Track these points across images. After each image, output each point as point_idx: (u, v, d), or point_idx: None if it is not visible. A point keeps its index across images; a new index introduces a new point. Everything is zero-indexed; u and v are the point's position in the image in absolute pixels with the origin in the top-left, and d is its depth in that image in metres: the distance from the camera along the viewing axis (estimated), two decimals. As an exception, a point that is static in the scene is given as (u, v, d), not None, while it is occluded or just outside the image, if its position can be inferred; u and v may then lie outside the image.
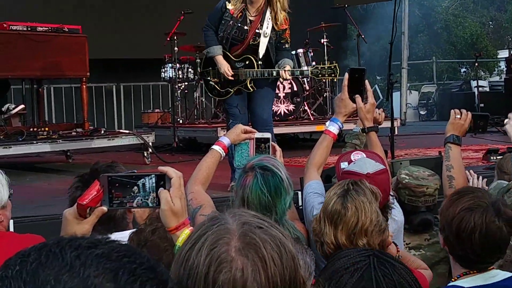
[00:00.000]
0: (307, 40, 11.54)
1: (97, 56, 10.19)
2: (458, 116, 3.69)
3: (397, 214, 3.36)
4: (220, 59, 6.27)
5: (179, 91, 11.25)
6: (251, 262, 1.31)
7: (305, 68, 6.55)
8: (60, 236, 0.92)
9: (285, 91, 10.66)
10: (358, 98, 3.60)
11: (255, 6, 6.10)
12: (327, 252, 2.65)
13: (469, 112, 3.72)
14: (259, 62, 6.23)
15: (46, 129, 8.61)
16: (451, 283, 2.70)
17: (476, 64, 14.99)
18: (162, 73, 11.23)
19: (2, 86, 8.78)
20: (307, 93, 11.07)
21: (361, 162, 3.12)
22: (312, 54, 11.10)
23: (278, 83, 10.66)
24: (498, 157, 7.26)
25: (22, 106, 9.04)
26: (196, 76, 11.31)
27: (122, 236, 2.92)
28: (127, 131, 9.77)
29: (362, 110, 3.62)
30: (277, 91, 10.62)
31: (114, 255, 0.85)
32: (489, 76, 25.64)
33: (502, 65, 24.23)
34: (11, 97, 10.15)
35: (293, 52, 11.09)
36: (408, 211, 3.74)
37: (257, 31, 6.13)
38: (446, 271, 3.73)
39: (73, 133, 9.00)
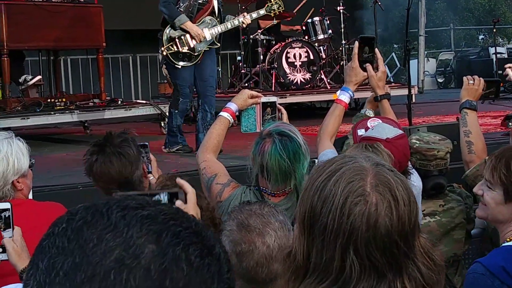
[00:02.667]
0: (323, 8, 11.46)
1: (114, 27, 10.19)
2: (472, 82, 3.69)
3: (415, 180, 3.34)
4: (190, 24, 7.01)
5: (195, 61, 11.23)
6: (385, 199, 1.39)
7: (261, 12, 7.19)
8: (110, 197, 0.93)
9: (301, 60, 10.61)
10: (369, 66, 3.58)
11: None
12: None
13: (481, 78, 3.72)
14: (217, 20, 7.17)
15: (64, 100, 8.65)
16: (506, 243, 2.62)
17: (494, 30, 14.83)
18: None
19: (18, 57, 8.80)
20: (324, 61, 11.02)
21: (380, 128, 3.08)
22: (328, 22, 11.03)
23: (295, 51, 10.63)
24: (516, 124, 7.22)
25: (39, 77, 9.07)
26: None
27: None
28: (144, 101, 9.80)
29: (373, 78, 3.60)
30: (293, 59, 10.59)
31: (160, 217, 0.85)
32: (507, 43, 25.37)
33: (521, 31, 23.96)
34: (28, 69, 10.18)
35: (309, 20, 11.03)
36: (420, 176, 3.74)
37: None
38: (463, 237, 3.73)
39: (90, 103, 9.03)
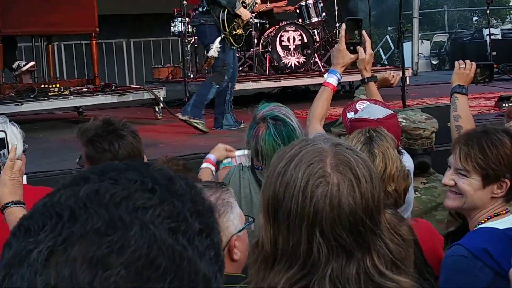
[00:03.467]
0: (316, -9, 11.42)
1: (107, 12, 10.15)
2: (463, 66, 3.69)
3: (406, 159, 3.36)
4: (244, 10, 7.74)
5: (189, 46, 11.20)
6: (346, 178, 1.40)
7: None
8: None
9: (295, 43, 10.60)
10: (360, 49, 3.59)
11: None
12: None
13: (473, 62, 3.72)
14: None
15: (57, 85, 8.63)
16: (482, 225, 2.62)
17: (488, 11, 14.80)
18: (172, 27, 11.15)
19: (11, 43, 8.77)
20: (318, 44, 11.00)
21: (369, 109, 3.11)
22: (322, 5, 11.01)
23: (289, 35, 10.61)
24: (510, 104, 7.24)
25: (32, 63, 9.03)
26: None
27: None
28: (138, 86, 9.79)
29: (363, 61, 3.61)
30: (287, 43, 10.57)
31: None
32: (501, 24, 25.36)
33: (515, 12, 23.94)
34: (21, 54, 10.15)
35: (303, 3, 11.00)
36: (419, 155, 3.78)
37: None
38: (445, 218, 3.73)
39: (84, 89, 9.01)
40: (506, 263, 2.45)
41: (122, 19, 13.66)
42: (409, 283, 1.42)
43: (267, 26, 10.95)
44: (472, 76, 3.68)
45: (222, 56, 7.61)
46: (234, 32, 7.61)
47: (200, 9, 7.73)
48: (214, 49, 7.49)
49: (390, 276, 1.39)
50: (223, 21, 7.51)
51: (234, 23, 7.63)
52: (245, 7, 7.82)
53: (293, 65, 10.63)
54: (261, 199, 1.48)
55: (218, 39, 7.51)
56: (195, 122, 7.53)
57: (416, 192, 3.66)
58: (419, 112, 4.04)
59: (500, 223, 2.58)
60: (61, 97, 8.38)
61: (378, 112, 3.09)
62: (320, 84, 10.45)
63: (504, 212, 2.62)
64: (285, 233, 1.40)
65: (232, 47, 7.72)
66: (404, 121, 3.80)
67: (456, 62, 3.74)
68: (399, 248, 1.43)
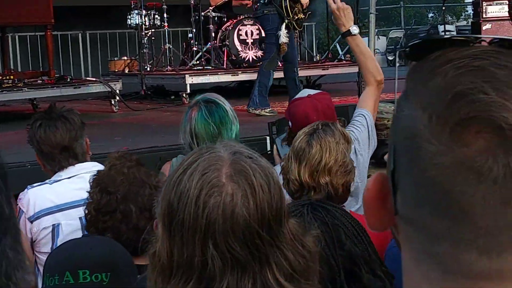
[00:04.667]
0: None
1: (63, 3, 10.02)
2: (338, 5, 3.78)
3: (356, 131, 3.54)
4: None
5: (145, 38, 11.12)
6: (241, 188, 1.35)
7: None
8: None
9: (253, 37, 10.60)
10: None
11: None
12: (292, 189, 2.70)
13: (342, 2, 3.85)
14: None
15: (11, 77, 8.50)
16: None
17: (444, 8, 15.01)
18: (128, 20, 11.07)
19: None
20: (275, 39, 11.01)
21: (303, 92, 3.48)
22: None
23: (247, 29, 10.62)
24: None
25: (-15, 54, 8.89)
26: (162, 23, 11.16)
27: (83, 167, 3.12)
28: (93, 79, 9.69)
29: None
30: (244, 37, 10.57)
31: None
32: (456, 21, 25.71)
33: (469, 9, 24.30)
34: (-26, 46, 9.96)
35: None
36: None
37: None
38: None
39: (38, 81, 8.88)
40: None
41: (78, 10, 13.50)
42: None
43: (225, 19, 10.93)
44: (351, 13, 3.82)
45: (276, 42, 8.11)
46: (296, 17, 8.06)
47: (262, 1, 8.20)
48: (283, 36, 8.01)
49: None
50: (286, 7, 7.97)
51: (296, 8, 8.07)
52: None
53: (250, 59, 10.63)
54: (158, 207, 1.42)
55: (284, 25, 8.02)
56: (266, 112, 8.03)
57: None
58: (388, 104, 4.12)
59: None
60: (15, 89, 8.25)
61: (310, 92, 3.56)
62: (278, 78, 10.49)
63: None
64: (180, 244, 1.34)
65: (295, 31, 8.31)
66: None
67: (332, 5, 3.82)
68: (301, 259, 1.38)
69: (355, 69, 9.29)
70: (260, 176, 1.37)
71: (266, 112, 8.06)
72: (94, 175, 2.58)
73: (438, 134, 0.66)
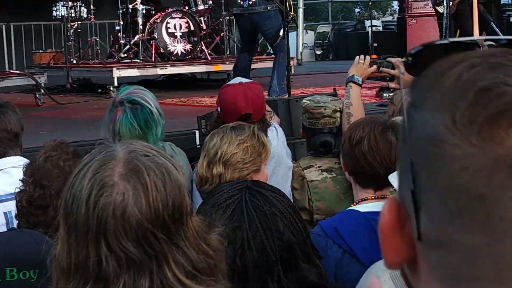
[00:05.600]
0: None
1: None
2: (362, 61, 3.83)
3: (273, 136, 3.59)
4: None
5: (72, 31, 10.92)
6: (132, 187, 1.33)
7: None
8: None
9: (181, 31, 10.53)
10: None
11: None
12: (196, 181, 2.80)
13: (367, 56, 3.87)
14: None
15: None
16: (349, 208, 2.81)
17: (370, 3, 15.22)
18: (54, 11, 10.85)
19: None
20: (204, 32, 10.97)
21: (235, 79, 3.59)
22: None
23: (175, 22, 10.55)
24: (390, 94, 7.47)
25: None
26: (89, 15, 10.98)
27: (8, 161, 3.04)
28: (18, 72, 9.46)
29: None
30: (173, 30, 10.49)
31: None
32: (382, 16, 26.14)
33: (395, 5, 24.75)
34: None
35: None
36: (309, 135, 3.85)
37: None
38: None
39: (-40, 74, 8.63)
40: (354, 242, 2.60)
41: (2, 1, 13.16)
42: None
43: (153, 12, 10.82)
44: (369, 72, 3.84)
45: (283, 35, 8.35)
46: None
47: None
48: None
49: (192, 286, 1.34)
50: (289, 4, 8.21)
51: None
52: None
53: (179, 53, 10.55)
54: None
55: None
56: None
57: (332, 172, 3.76)
58: (326, 95, 4.17)
59: (363, 207, 2.74)
60: None
61: (242, 79, 3.67)
62: (207, 72, 10.51)
63: (372, 197, 2.77)
64: (75, 245, 1.34)
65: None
66: (308, 101, 3.90)
67: (356, 57, 3.90)
68: (205, 257, 1.37)
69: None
70: (155, 174, 1.35)
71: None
72: (28, 163, 2.51)
73: (465, 135, 0.59)
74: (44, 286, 1.61)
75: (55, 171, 2.39)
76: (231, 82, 3.73)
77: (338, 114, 3.87)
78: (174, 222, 1.35)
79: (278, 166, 3.60)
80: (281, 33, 8.32)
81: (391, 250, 0.67)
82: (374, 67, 3.84)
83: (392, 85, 3.74)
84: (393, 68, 3.79)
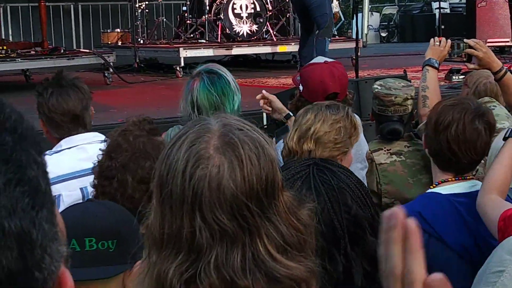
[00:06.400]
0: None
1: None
2: (437, 43, 3.75)
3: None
4: None
5: (139, 11, 11.03)
6: (227, 160, 1.33)
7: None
8: None
9: (247, 11, 10.53)
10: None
11: None
12: (283, 154, 2.77)
13: (448, 40, 3.77)
14: None
15: (4, 47, 8.42)
16: (429, 190, 2.77)
17: (438, -15, 14.93)
18: (122, -9, 10.98)
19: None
20: (270, 13, 10.95)
21: (318, 59, 3.56)
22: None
23: (242, 2, 10.55)
24: (460, 77, 7.33)
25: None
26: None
27: (84, 137, 3.10)
28: (87, 50, 9.62)
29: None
30: (239, 10, 10.51)
31: None
32: (449, -2, 25.65)
33: (463, -13, 24.20)
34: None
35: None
36: (378, 121, 3.81)
37: None
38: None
39: (32, 52, 8.81)
40: (440, 225, 2.56)
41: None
42: (301, 270, 1.35)
43: (220, -7, 10.85)
44: (445, 54, 3.74)
45: (329, 12, 8.40)
46: None
47: None
48: (335, 4, 8.46)
49: (283, 261, 1.34)
50: None
51: None
52: None
53: (245, 34, 10.56)
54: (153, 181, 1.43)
55: None
56: None
57: (401, 156, 3.73)
58: (399, 80, 4.09)
59: (445, 189, 2.70)
60: (8, 59, 8.17)
61: (326, 59, 3.72)
62: (272, 53, 10.55)
63: (453, 179, 2.72)
64: (169, 216, 1.35)
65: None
66: (379, 87, 3.85)
67: (431, 39, 3.81)
68: (296, 232, 1.37)
69: (350, 45, 9.27)
70: (249, 148, 1.35)
71: None
72: (107, 137, 2.56)
73: None
74: (134, 255, 1.64)
75: (125, 145, 2.42)
76: (315, 61, 3.71)
77: (409, 102, 3.81)
78: (267, 196, 1.35)
79: (356, 155, 3.55)
80: (325, 8, 8.28)
81: None
82: (449, 45, 3.73)
83: (471, 66, 3.62)
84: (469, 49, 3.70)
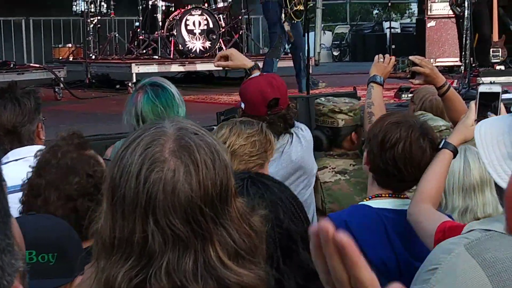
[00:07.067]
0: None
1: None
2: (382, 60, 3.77)
3: (303, 131, 3.56)
4: None
5: (91, 26, 10.96)
6: (183, 164, 1.32)
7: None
8: None
9: (200, 28, 10.54)
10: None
11: None
12: None
13: (392, 56, 3.80)
14: None
15: (-48, 61, 8.29)
16: (360, 203, 2.79)
17: (389, 4, 15.18)
18: (74, 6, 10.90)
19: None
20: (223, 30, 10.98)
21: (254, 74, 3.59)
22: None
23: (194, 19, 10.55)
24: (409, 95, 7.44)
25: None
26: (109, 10, 11.01)
27: (31, 150, 2.96)
28: (37, 65, 9.52)
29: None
30: (192, 27, 10.51)
31: None
32: (400, 18, 26.03)
33: (413, 7, 24.62)
34: None
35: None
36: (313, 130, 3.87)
37: None
38: None
39: (-20, 66, 8.69)
40: (363, 237, 2.59)
41: (22, -4, 13.23)
42: (251, 277, 1.36)
43: (173, 9, 10.85)
44: (389, 70, 3.76)
45: (279, 31, 8.49)
46: (295, 8, 8.29)
47: None
48: (286, 24, 8.44)
49: (234, 268, 1.34)
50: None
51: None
52: None
53: (198, 50, 10.57)
54: (104, 184, 1.41)
55: (282, 15, 8.39)
56: None
57: (346, 175, 3.75)
58: (346, 98, 4.13)
59: (376, 203, 2.73)
60: (-44, 73, 8.04)
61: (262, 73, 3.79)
62: (224, 70, 10.55)
63: (386, 195, 2.75)
64: (121, 220, 1.33)
65: (293, 21, 8.34)
66: (321, 100, 3.91)
67: (376, 56, 3.82)
68: (248, 239, 1.37)
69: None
70: (205, 152, 1.35)
71: None
72: (39, 151, 2.51)
73: None
74: (83, 261, 1.62)
75: (53, 161, 2.36)
76: (251, 76, 3.74)
77: (339, 116, 3.83)
78: (221, 202, 1.35)
79: (302, 176, 3.57)
80: (275, 27, 8.42)
81: None
82: (393, 62, 3.75)
83: (416, 81, 3.65)
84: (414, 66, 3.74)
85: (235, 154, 2.77)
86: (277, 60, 8.58)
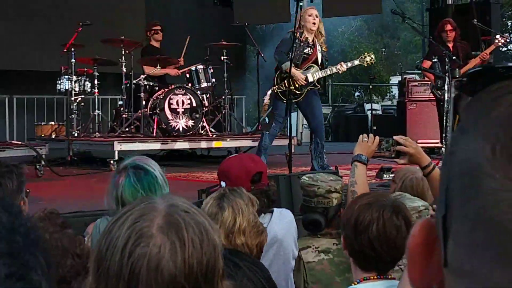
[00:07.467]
0: (207, 57, 11.54)
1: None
2: (366, 139, 3.80)
3: (274, 221, 3.54)
4: (295, 71, 8.46)
5: (75, 104, 11.00)
6: (170, 241, 1.31)
7: (356, 62, 8.92)
8: None
9: (184, 107, 10.61)
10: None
11: (311, 36, 8.64)
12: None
13: (376, 136, 3.83)
14: (319, 67, 8.74)
15: None
16: (349, 287, 2.75)
17: (371, 87, 15.41)
18: (58, 85, 10.95)
19: None
20: (206, 109, 11.06)
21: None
22: (212, 71, 11.12)
23: (178, 98, 10.64)
24: (391, 175, 7.47)
25: None
26: (93, 89, 11.08)
27: None
28: (19, 142, 9.49)
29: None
30: (175, 106, 10.58)
31: None
32: (381, 101, 26.40)
33: (394, 90, 25.01)
34: None
35: (193, 68, 11.07)
36: (304, 212, 3.84)
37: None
38: None
39: (-39, 142, 8.65)
40: None
41: (5, 74, 13.31)
42: None
43: (157, 88, 10.94)
44: (374, 149, 3.77)
45: (274, 106, 8.86)
46: (282, 88, 8.55)
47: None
48: (266, 98, 8.91)
49: None
50: (275, 76, 8.70)
51: (285, 80, 8.51)
52: (321, 69, 8.70)
53: (181, 129, 10.61)
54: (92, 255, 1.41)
55: (269, 91, 8.81)
56: None
57: (329, 254, 3.72)
58: (329, 174, 4.13)
59: (367, 286, 2.69)
60: None
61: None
62: (207, 148, 10.62)
63: (375, 277, 2.71)
64: None
65: (283, 100, 8.49)
66: (306, 178, 3.89)
67: (360, 135, 3.85)
68: None
69: (284, 142, 9.38)
70: (193, 231, 1.33)
71: None
72: None
73: (502, 167, 0.57)
74: None
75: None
76: (229, 156, 3.81)
77: (334, 195, 3.84)
78: (206, 282, 1.33)
79: (281, 251, 3.55)
80: (265, 99, 8.90)
81: (418, 272, 0.65)
82: (377, 141, 3.78)
83: (401, 161, 3.66)
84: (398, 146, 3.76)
85: (246, 231, 2.74)
86: (267, 133, 8.89)
